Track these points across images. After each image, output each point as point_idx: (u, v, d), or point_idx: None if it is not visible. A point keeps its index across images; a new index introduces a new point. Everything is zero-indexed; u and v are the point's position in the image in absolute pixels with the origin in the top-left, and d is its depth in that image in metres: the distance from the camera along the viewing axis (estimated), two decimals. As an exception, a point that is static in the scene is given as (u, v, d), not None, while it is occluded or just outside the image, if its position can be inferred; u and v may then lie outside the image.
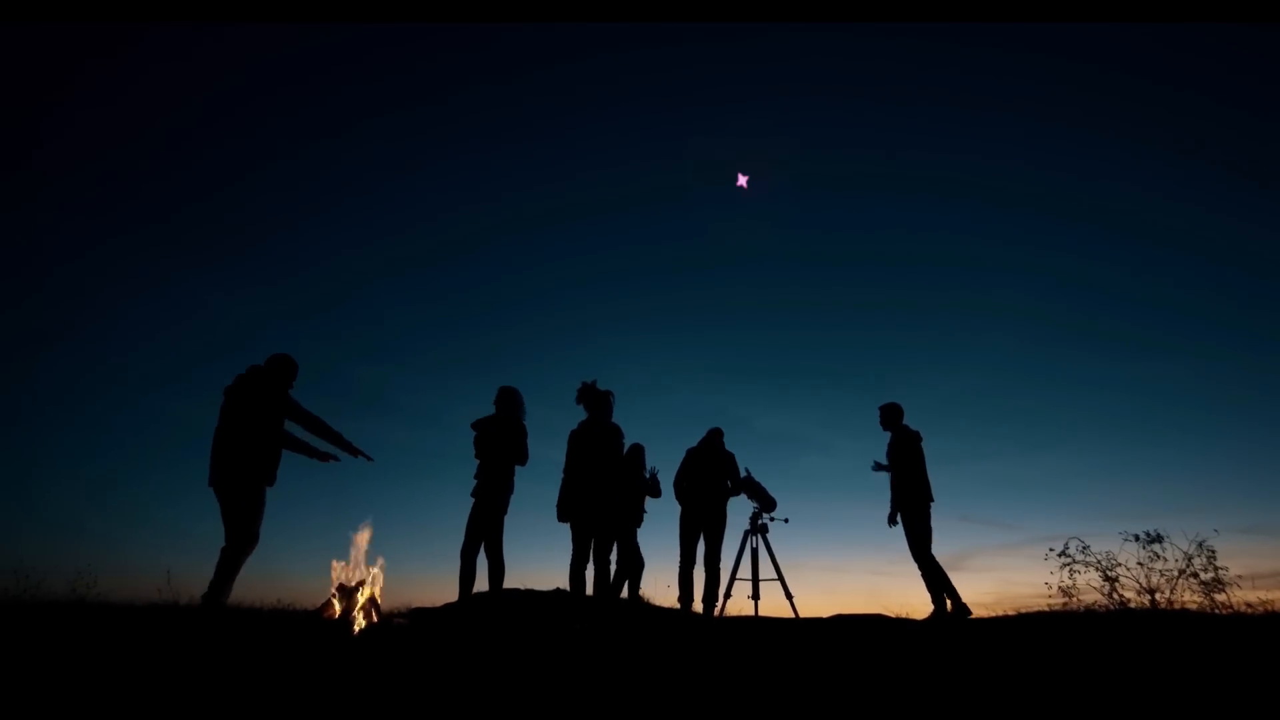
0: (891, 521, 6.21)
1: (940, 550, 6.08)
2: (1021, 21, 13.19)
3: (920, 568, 6.03)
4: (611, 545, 5.60)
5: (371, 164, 17.46)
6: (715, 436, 6.66)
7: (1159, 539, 6.05)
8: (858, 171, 17.95)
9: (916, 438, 6.24)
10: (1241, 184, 16.34)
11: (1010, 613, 6.37)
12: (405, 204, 17.94)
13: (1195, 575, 6.02)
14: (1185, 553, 6.10)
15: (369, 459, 5.02)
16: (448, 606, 6.19)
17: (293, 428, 4.87)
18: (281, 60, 15.67)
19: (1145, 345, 16.91)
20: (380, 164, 17.51)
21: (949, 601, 5.92)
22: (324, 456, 5.01)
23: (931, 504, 6.09)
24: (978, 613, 6.00)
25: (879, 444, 6.52)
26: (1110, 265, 17.29)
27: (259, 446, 4.59)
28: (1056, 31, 15.55)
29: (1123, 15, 12.19)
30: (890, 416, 6.41)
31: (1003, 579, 14.99)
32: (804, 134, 17.44)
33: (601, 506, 5.38)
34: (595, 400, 5.59)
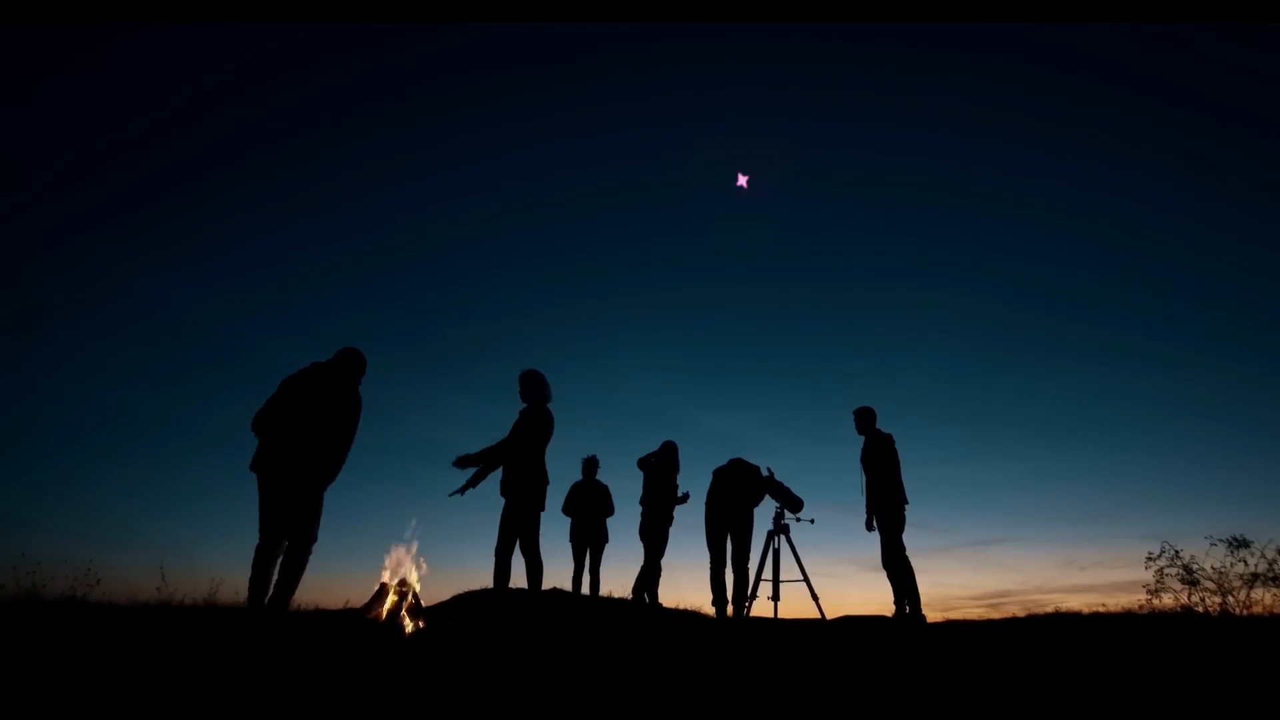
0: (869, 526, 6.20)
1: (877, 553, 6.13)
2: (998, 22, 12.85)
3: (891, 570, 6.03)
4: (599, 563, 7.37)
5: (342, 163, 17.67)
6: (741, 463, 6.72)
7: (1245, 544, 5.96)
8: (808, 174, 17.92)
9: (890, 440, 6.25)
10: (1197, 186, 15.61)
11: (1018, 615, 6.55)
12: (371, 203, 18.11)
13: (1275, 580, 6.02)
14: (1265, 558, 5.99)
15: None
16: (439, 606, 6.32)
17: None
18: (257, 59, 15.75)
19: (1085, 351, 16.56)
20: (351, 162, 17.67)
21: (908, 606, 5.97)
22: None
23: (907, 506, 6.10)
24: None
25: (820, 446, 7.00)
26: (1057, 270, 16.94)
27: (337, 447, 4.43)
28: (1018, 33, 15.08)
29: (1095, 16, 11.85)
30: (864, 421, 6.41)
31: (935, 581, 14.95)
32: (782, 136, 17.27)
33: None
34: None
